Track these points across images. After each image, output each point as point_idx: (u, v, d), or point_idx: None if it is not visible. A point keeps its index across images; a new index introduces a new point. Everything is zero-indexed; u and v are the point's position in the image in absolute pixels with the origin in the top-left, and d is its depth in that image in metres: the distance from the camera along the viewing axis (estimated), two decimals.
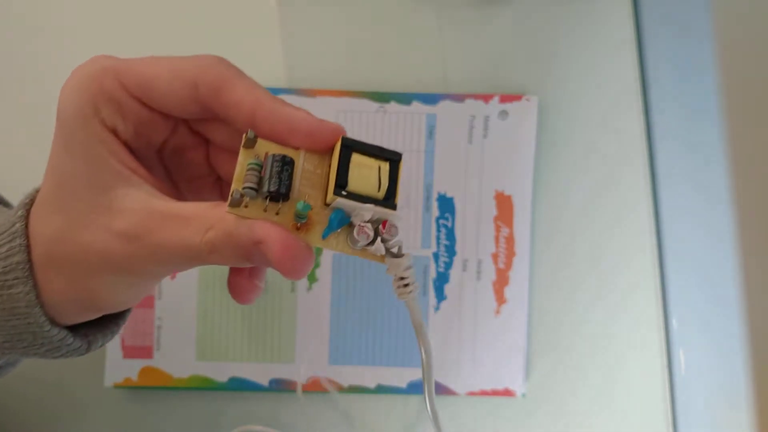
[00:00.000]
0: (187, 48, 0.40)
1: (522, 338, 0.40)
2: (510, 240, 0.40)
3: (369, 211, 0.21)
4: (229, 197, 0.20)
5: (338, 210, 0.21)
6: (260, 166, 0.21)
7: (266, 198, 0.21)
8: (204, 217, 0.21)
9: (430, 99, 0.40)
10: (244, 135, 0.21)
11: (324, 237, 0.21)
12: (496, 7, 0.41)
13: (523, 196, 0.40)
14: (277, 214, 0.21)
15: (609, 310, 0.41)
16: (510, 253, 0.40)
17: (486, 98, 0.40)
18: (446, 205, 0.40)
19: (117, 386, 0.39)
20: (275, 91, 0.40)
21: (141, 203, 0.22)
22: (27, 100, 0.40)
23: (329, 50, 0.41)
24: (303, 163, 0.21)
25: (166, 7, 0.41)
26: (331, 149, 0.22)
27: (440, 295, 0.40)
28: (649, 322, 0.41)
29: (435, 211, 0.40)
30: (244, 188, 0.20)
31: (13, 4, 0.41)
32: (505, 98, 0.40)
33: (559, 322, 0.41)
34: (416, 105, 0.40)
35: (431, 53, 0.41)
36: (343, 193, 0.21)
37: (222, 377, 0.39)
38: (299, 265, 0.21)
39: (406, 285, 0.22)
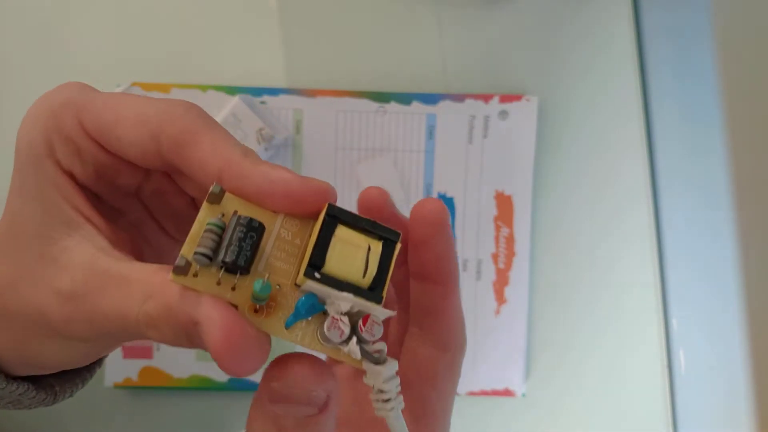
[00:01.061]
0: (187, 48, 0.41)
1: (522, 338, 0.40)
2: (510, 240, 0.40)
3: (347, 301, 0.17)
4: (173, 268, 0.17)
5: (310, 294, 0.17)
6: (221, 228, 0.17)
7: (221, 268, 0.17)
8: (145, 283, 0.18)
9: (430, 99, 0.40)
10: (210, 188, 0.18)
11: (287, 326, 0.17)
12: (496, 7, 0.41)
13: (523, 196, 0.40)
14: (233, 289, 0.17)
15: (609, 310, 0.41)
16: (510, 253, 0.40)
17: (486, 98, 0.40)
18: (446, 205, 0.40)
19: (117, 386, 0.39)
20: (275, 91, 0.40)
21: (86, 259, 0.19)
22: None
23: (329, 50, 0.41)
24: (279, 230, 0.18)
25: (166, 7, 0.41)
26: (317, 215, 0.18)
27: None
28: (649, 322, 0.41)
29: None
30: (195, 254, 0.16)
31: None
32: (505, 98, 0.40)
33: (559, 322, 0.41)
34: (416, 105, 0.40)
35: (431, 53, 0.41)
36: (317, 275, 0.17)
37: (222, 377, 0.39)
38: (242, 361, 0.16)
39: (386, 400, 0.18)
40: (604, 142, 0.41)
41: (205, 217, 0.17)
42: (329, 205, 0.17)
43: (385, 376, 0.17)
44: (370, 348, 0.17)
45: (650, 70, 0.42)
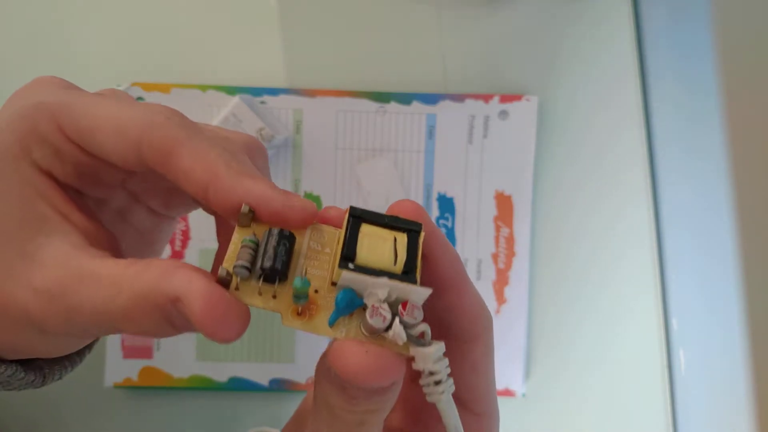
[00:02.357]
0: (187, 48, 0.41)
1: (522, 338, 0.40)
2: (510, 240, 0.40)
3: (383, 287, 0.17)
4: (218, 277, 0.17)
5: (347, 290, 0.17)
6: (256, 243, 0.17)
7: (260, 278, 0.17)
8: (115, 278, 0.18)
9: (430, 99, 0.40)
10: (239, 212, 0.18)
11: (331, 324, 0.17)
12: (496, 7, 0.41)
13: (523, 196, 0.40)
14: (273, 297, 0.17)
15: (609, 310, 0.41)
16: (510, 253, 0.40)
17: (486, 98, 0.40)
18: (446, 205, 0.40)
19: (117, 386, 0.39)
20: (275, 91, 0.40)
21: (62, 257, 0.19)
22: None
23: (329, 50, 0.41)
24: (308, 241, 0.18)
25: (166, 7, 0.41)
26: (341, 224, 0.18)
27: None
28: (649, 322, 0.41)
29: (435, 211, 0.40)
30: (235, 267, 0.17)
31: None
32: (505, 98, 0.40)
33: (559, 322, 0.41)
34: (416, 105, 0.40)
35: (431, 53, 0.41)
36: (350, 266, 0.17)
37: (222, 377, 0.39)
38: (226, 327, 0.17)
39: (437, 382, 0.18)
40: (604, 142, 0.41)
41: (239, 237, 0.18)
42: (351, 207, 0.18)
43: (434, 357, 0.17)
44: (414, 332, 0.17)
45: (650, 69, 0.42)
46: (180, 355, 0.39)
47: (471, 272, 0.40)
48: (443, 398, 0.18)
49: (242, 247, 0.17)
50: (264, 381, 0.39)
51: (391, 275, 0.17)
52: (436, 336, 0.19)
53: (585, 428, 0.41)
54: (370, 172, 0.40)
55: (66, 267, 0.19)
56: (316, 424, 0.19)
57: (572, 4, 0.42)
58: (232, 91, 0.39)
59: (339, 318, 0.17)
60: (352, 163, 0.40)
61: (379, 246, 0.18)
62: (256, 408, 0.40)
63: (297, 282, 0.17)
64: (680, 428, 0.40)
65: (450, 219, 0.40)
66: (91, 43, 0.41)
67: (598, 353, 0.41)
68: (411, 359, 0.17)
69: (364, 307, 0.17)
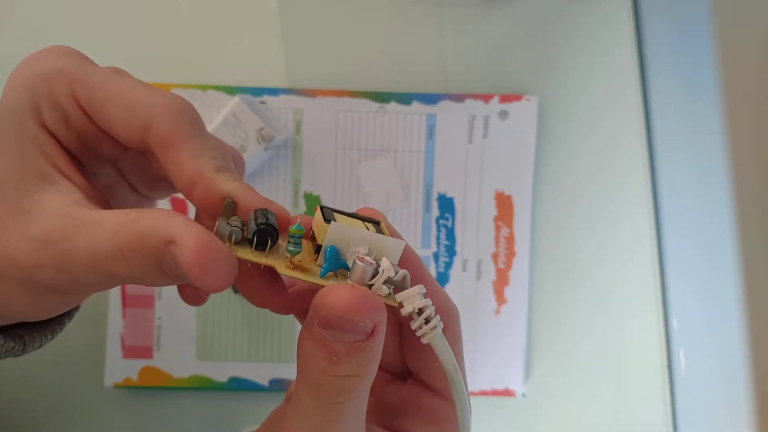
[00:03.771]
0: (187, 47, 0.41)
1: (522, 338, 0.40)
2: (510, 240, 0.40)
3: (364, 242, 0.19)
4: (215, 228, 0.18)
5: (332, 246, 0.19)
6: (243, 223, 0.19)
7: (253, 243, 0.18)
8: (116, 220, 0.19)
9: (430, 99, 0.40)
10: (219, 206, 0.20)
11: (322, 276, 0.19)
12: (496, 7, 0.41)
13: (523, 196, 0.40)
14: (266, 257, 0.19)
15: (609, 311, 0.41)
16: (510, 253, 0.40)
17: (486, 98, 0.40)
18: (446, 205, 0.40)
19: (117, 386, 0.39)
20: (275, 91, 0.40)
21: (62, 209, 0.20)
22: None
23: (329, 50, 0.41)
24: (285, 244, 0.19)
25: (166, 7, 0.41)
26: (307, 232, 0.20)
27: None
28: (649, 322, 0.41)
29: (435, 211, 0.40)
30: (231, 225, 0.18)
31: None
32: (505, 98, 0.40)
33: (559, 322, 0.41)
34: (416, 105, 0.40)
35: (431, 53, 0.41)
36: (333, 219, 0.19)
37: (222, 377, 0.39)
38: (215, 274, 0.17)
39: (427, 320, 0.19)
40: (604, 142, 0.41)
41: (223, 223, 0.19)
42: (321, 205, 0.20)
43: (420, 293, 0.19)
44: (395, 281, 0.19)
45: (650, 70, 0.42)
46: (180, 355, 0.39)
47: (471, 272, 0.40)
48: (436, 334, 0.19)
49: (231, 224, 0.18)
50: (264, 381, 0.39)
51: (369, 221, 0.19)
52: (408, 332, 0.21)
53: (585, 428, 0.41)
54: (370, 172, 0.40)
55: (67, 216, 0.19)
56: (299, 393, 0.19)
57: (572, 4, 0.42)
58: (232, 91, 0.39)
59: (327, 273, 0.19)
60: (352, 163, 0.40)
61: (352, 222, 0.19)
62: (256, 408, 0.40)
63: (293, 227, 0.18)
64: (680, 428, 0.40)
65: (450, 219, 0.40)
66: (91, 42, 0.41)
67: (598, 353, 0.41)
68: (399, 309, 0.19)
69: (346, 273, 0.19)
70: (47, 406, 0.39)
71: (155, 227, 0.18)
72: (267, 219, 0.18)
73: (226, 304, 0.40)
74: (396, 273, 0.19)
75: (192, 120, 0.21)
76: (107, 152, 0.23)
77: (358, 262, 0.18)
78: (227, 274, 0.17)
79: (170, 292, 0.39)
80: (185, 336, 0.39)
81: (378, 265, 0.18)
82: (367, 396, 0.20)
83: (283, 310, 0.22)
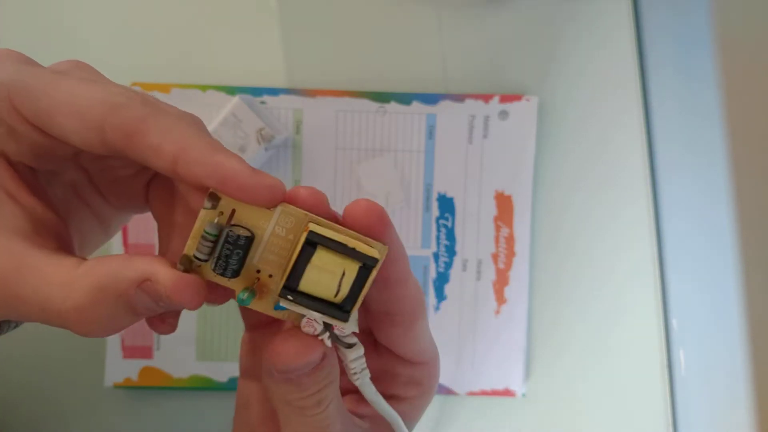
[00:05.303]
0: (187, 48, 0.41)
1: (522, 338, 0.40)
2: (510, 240, 0.40)
3: (318, 318, 0.19)
4: (181, 257, 0.19)
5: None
6: (216, 237, 0.19)
7: (215, 270, 0.19)
8: (63, 278, 0.18)
9: (430, 99, 0.40)
10: (207, 198, 0.19)
11: (276, 309, 0.20)
12: (496, 7, 0.41)
13: (523, 196, 0.40)
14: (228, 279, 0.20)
15: (609, 311, 0.41)
16: (510, 253, 0.40)
17: (486, 98, 0.40)
18: (446, 205, 0.40)
19: (117, 386, 0.39)
20: (275, 91, 0.40)
21: (4, 245, 0.19)
22: None
23: (329, 50, 0.41)
24: (274, 227, 0.19)
25: (166, 7, 0.41)
26: (310, 208, 0.19)
27: (440, 295, 0.40)
28: (649, 322, 0.41)
29: (435, 211, 0.40)
30: (195, 257, 0.19)
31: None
32: (505, 98, 0.40)
33: (559, 322, 0.41)
34: (416, 105, 0.40)
35: (431, 53, 0.41)
36: (289, 297, 0.19)
37: (222, 377, 0.39)
38: (193, 296, 0.19)
39: (353, 373, 0.22)
40: (604, 142, 0.41)
41: (204, 219, 0.19)
42: (310, 231, 0.18)
43: (351, 358, 0.21)
44: (341, 339, 0.20)
45: (650, 69, 0.42)
46: (180, 355, 0.39)
47: (471, 272, 0.40)
48: (358, 382, 0.22)
49: (203, 238, 0.19)
50: None
51: (327, 306, 0.19)
52: (385, 317, 0.23)
53: (585, 428, 0.41)
54: (370, 172, 0.40)
55: (7, 254, 0.19)
56: (287, 420, 0.21)
57: (572, 4, 0.42)
58: (232, 91, 0.39)
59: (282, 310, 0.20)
60: (352, 163, 0.40)
61: (324, 280, 0.19)
62: None
63: (239, 296, 0.19)
64: (680, 428, 0.40)
65: (450, 219, 0.40)
66: (91, 42, 0.41)
67: (598, 353, 0.41)
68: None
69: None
70: (47, 406, 0.39)
71: (121, 273, 0.18)
72: (227, 263, 0.19)
73: (226, 304, 0.39)
74: (344, 336, 0.20)
75: (143, 100, 0.19)
76: (66, 153, 0.21)
77: (304, 325, 0.19)
78: (203, 295, 0.19)
79: None
80: (185, 336, 0.39)
81: (325, 331, 0.20)
82: (338, 390, 0.22)
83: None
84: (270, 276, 0.20)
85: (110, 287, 0.18)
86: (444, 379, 0.40)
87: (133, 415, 0.40)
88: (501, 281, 0.40)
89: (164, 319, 0.23)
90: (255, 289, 0.20)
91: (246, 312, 0.25)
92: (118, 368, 0.39)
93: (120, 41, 0.41)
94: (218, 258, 0.19)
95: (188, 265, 0.19)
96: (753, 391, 0.39)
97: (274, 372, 0.20)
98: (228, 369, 0.39)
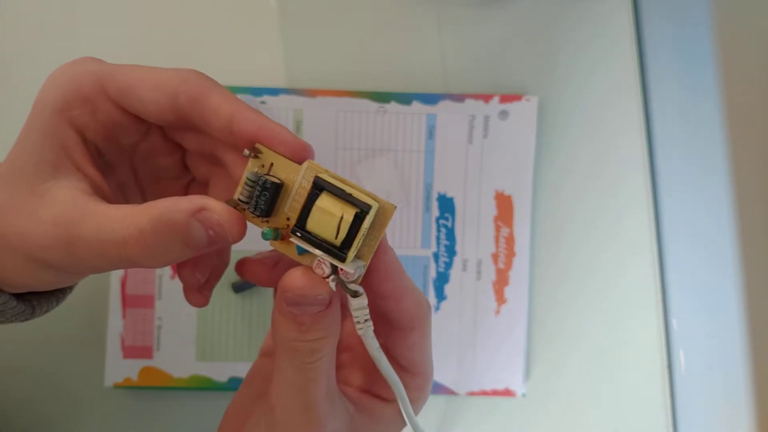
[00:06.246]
0: (187, 48, 0.41)
1: (522, 338, 0.40)
2: (510, 240, 0.40)
3: (321, 256, 0.22)
4: (227, 201, 0.22)
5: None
6: (255, 183, 0.22)
7: (254, 212, 0.22)
8: (125, 213, 0.22)
9: (430, 99, 0.40)
10: (249, 148, 0.23)
11: (299, 253, 0.23)
12: (496, 7, 0.41)
13: (523, 196, 0.40)
14: (266, 222, 0.23)
15: (609, 311, 0.41)
16: (510, 253, 0.40)
17: (486, 98, 0.40)
18: (446, 205, 0.40)
19: (117, 386, 0.39)
20: (275, 91, 0.40)
21: (70, 196, 0.22)
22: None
23: (329, 50, 0.41)
24: (300, 180, 0.22)
25: (166, 7, 0.41)
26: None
27: (440, 295, 0.40)
28: (649, 322, 0.41)
29: (435, 211, 0.40)
30: (240, 200, 0.22)
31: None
32: (505, 98, 0.40)
33: (559, 322, 0.41)
34: (416, 105, 0.40)
35: (431, 53, 0.41)
36: (298, 234, 0.22)
37: (222, 377, 0.39)
38: (240, 228, 0.22)
39: (357, 322, 0.23)
40: (604, 142, 0.41)
41: (249, 167, 0.23)
42: (316, 177, 0.21)
43: (355, 306, 0.23)
44: (348, 283, 0.22)
45: (650, 69, 0.42)
46: (180, 355, 0.39)
47: (471, 272, 0.40)
48: (361, 332, 0.24)
49: (245, 184, 0.22)
50: None
51: (328, 247, 0.21)
52: (384, 323, 0.25)
53: (585, 428, 0.41)
54: (370, 172, 0.40)
55: (72, 203, 0.22)
56: (280, 363, 0.23)
57: (572, 4, 0.42)
58: (232, 91, 0.39)
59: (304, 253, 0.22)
60: (352, 163, 0.40)
61: (325, 221, 0.21)
62: None
63: (263, 232, 0.22)
64: (680, 428, 0.40)
65: (450, 219, 0.40)
66: (91, 43, 0.41)
67: (598, 353, 0.41)
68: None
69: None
70: (47, 406, 0.39)
71: (176, 206, 0.22)
72: (257, 203, 0.22)
73: (226, 304, 0.40)
74: (350, 280, 0.22)
75: (208, 78, 0.24)
76: (129, 139, 0.25)
77: (315, 266, 0.22)
78: (245, 228, 0.22)
79: (170, 291, 0.39)
80: (185, 336, 0.39)
81: (332, 273, 0.22)
82: (334, 356, 0.24)
83: (267, 284, 0.26)
84: (288, 219, 0.22)
85: (168, 216, 0.21)
86: (444, 379, 0.40)
87: (133, 415, 0.40)
88: (501, 281, 0.40)
89: (201, 290, 0.26)
90: (281, 231, 0.22)
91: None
92: (118, 368, 0.39)
93: (120, 41, 0.41)
94: (253, 200, 0.22)
95: (233, 206, 0.22)
96: (753, 391, 0.39)
97: (283, 302, 0.22)
98: (228, 369, 0.39)
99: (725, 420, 0.40)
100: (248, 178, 0.22)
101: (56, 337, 0.39)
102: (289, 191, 0.22)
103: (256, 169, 0.22)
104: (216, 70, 0.40)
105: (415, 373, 0.27)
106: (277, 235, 0.22)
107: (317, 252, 0.21)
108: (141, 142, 0.26)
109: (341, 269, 0.22)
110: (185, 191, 0.28)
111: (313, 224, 0.21)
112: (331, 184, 0.21)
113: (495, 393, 0.40)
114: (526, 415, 0.40)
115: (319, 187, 0.21)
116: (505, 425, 0.41)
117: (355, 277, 0.22)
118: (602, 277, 0.41)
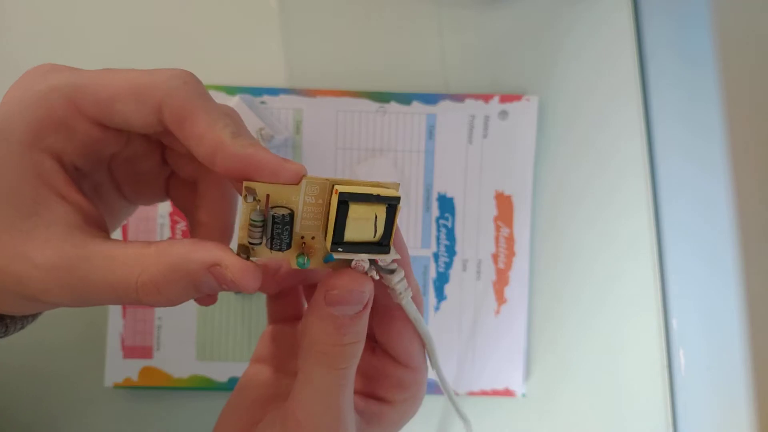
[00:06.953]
0: (187, 48, 0.41)
1: (522, 338, 0.40)
2: (510, 240, 0.40)
3: (365, 258, 0.23)
4: (238, 246, 0.22)
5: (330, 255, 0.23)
6: (263, 221, 0.22)
7: (270, 248, 0.22)
8: (135, 257, 0.21)
9: (430, 99, 0.40)
10: (243, 188, 0.22)
11: (325, 262, 0.23)
12: (496, 7, 0.41)
13: (523, 196, 0.40)
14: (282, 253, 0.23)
15: (609, 311, 0.41)
16: (510, 253, 0.40)
17: (486, 98, 0.40)
18: (446, 205, 0.40)
19: (117, 386, 0.39)
20: (275, 91, 0.40)
21: (61, 234, 0.21)
22: None
23: (329, 50, 0.41)
24: (303, 198, 0.22)
25: (166, 7, 0.41)
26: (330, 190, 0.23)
27: (440, 295, 0.40)
28: (649, 322, 0.41)
29: (435, 211, 0.40)
30: (250, 243, 0.22)
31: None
32: (505, 98, 0.40)
33: (559, 322, 0.41)
34: (416, 105, 0.40)
35: (431, 53, 0.41)
36: (339, 249, 0.22)
37: (222, 377, 0.39)
38: (255, 280, 0.22)
39: (399, 293, 0.25)
40: (604, 142, 0.41)
41: (247, 210, 0.21)
42: (340, 193, 0.22)
43: (395, 280, 0.24)
44: (387, 267, 0.24)
45: (650, 70, 0.42)
46: (180, 355, 0.39)
47: (471, 272, 0.40)
48: (403, 301, 0.25)
49: (251, 226, 0.21)
50: None
51: (369, 247, 0.22)
52: (386, 310, 0.26)
53: (585, 428, 0.41)
54: (370, 172, 0.40)
55: (70, 243, 0.21)
56: (308, 370, 0.23)
57: (572, 4, 0.42)
58: (232, 91, 0.39)
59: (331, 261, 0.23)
60: (352, 163, 0.40)
61: (362, 226, 0.22)
62: None
63: (299, 261, 0.22)
64: (680, 428, 0.40)
65: (450, 219, 0.40)
66: (91, 43, 0.41)
67: (598, 353, 0.41)
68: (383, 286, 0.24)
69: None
70: (47, 406, 0.39)
71: (192, 255, 0.21)
72: (281, 239, 0.22)
73: (226, 304, 0.40)
74: (387, 266, 0.24)
75: (197, 90, 0.22)
76: (109, 150, 0.24)
77: (354, 265, 0.23)
78: (260, 278, 0.22)
79: None
80: (185, 336, 0.39)
81: (371, 265, 0.23)
82: (360, 353, 0.24)
83: (273, 291, 0.26)
84: (313, 238, 0.23)
85: (182, 267, 0.21)
86: None
87: (133, 415, 0.40)
88: (501, 281, 0.40)
89: (213, 295, 0.26)
90: (305, 253, 0.23)
91: (272, 307, 0.30)
92: (118, 368, 0.39)
93: (120, 42, 0.41)
94: (272, 238, 0.22)
95: (246, 252, 0.22)
96: (753, 391, 0.39)
97: (323, 304, 0.22)
98: (228, 369, 0.39)
99: (725, 420, 0.40)
100: (253, 220, 0.21)
101: (56, 337, 0.39)
102: (295, 212, 0.22)
103: (257, 208, 0.22)
104: (216, 70, 0.40)
105: (414, 366, 0.27)
106: (308, 260, 0.23)
107: (362, 256, 0.22)
108: (123, 150, 0.25)
109: (377, 261, 0.23)
110: (165, 187, 0.27)
111: (350, 234, 0.22)
112: (357, 194, 0.22)
113: (495, 393, 0.40)
114: (526, 415, 0.40)
115: (345, 201, 0.22)
116: (505, 425, 0.41)
117: (390, 259, 0.23)
118: (602, 277, 0.41)
